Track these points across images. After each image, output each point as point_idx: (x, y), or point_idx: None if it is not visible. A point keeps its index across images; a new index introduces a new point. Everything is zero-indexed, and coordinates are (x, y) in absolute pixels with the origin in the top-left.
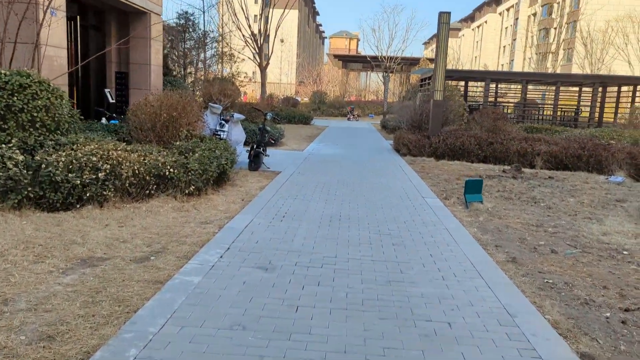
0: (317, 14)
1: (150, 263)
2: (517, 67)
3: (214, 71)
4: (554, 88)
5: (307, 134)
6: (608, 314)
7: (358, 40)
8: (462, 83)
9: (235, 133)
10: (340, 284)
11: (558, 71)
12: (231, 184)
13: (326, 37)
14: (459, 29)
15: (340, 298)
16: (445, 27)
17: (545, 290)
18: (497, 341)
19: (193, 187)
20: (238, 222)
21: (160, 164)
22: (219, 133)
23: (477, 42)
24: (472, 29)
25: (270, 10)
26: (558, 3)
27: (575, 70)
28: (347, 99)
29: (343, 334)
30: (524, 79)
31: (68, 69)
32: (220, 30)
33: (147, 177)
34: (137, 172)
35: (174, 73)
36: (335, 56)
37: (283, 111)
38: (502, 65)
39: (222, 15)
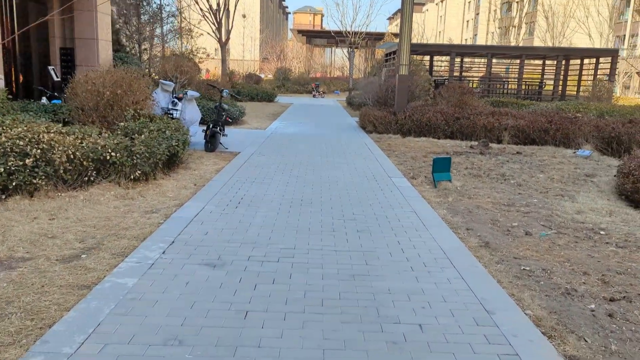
0: None
1: (79, 263)
2: (481, 42)
3: (172, 47)
4: (518, 61)
5: (270, 111)
6: (593, 306)
7: (322, 15)
8: (427, 58)
9: (190, 112)
10: (297, 282)
11: (521, 45)
12: (184, 166)
13: (290, 13)
14: (423, 4)
15: (297, 299)
16: None
17: (522, 279)
18: (474, 346)
19: (139, 171)
20: (187, 210)
21: (99, 147)
22: (171, 112)
23: (440, 16)
24: (436, 4)
25: None
26: None
27: (538, 43)
28: (312, 75)
29: (298, 345)
30: (489, 52)
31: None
32: (178, 4)
33: (85, 162)
34: (72, 156)
35: (127, 49)
36: (299, 31)
37: (245, 88)
38: (466, 39)
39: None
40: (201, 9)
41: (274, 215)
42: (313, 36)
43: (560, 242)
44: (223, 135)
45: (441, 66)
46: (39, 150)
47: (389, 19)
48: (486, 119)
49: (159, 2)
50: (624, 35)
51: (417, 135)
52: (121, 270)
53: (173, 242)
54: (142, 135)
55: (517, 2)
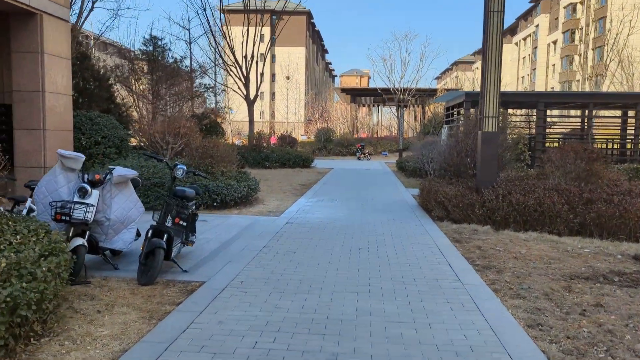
0: (326, 51)
1: None
2: None
3: (209, 105)
4: (603, 114)
5: (300, 181)
6: None
7: (369, 78)
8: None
9: (120, 205)
10: None
11: None
12: None
13: (336, 76)
14: (472, 62)
15: None
16: (496, 18)
17: None
18: None
19: None
20: None
21: None
22: (71, 211)
23: None
24: None
25: (255, 43)
26: (581, 28)
27: None
28: (357, 135)
29: None
30: (591, 101)
31: None
32: (214, 58)
33: None
34: None
35: (123, 109)
36: (343, 90)
37: (275, 152)
38: None
39: (216, 47)
40: (226, 63)
41: None
42: (358, 94)
43: None
44: (187, 243)
45: (514, 121)
46: None
47: (437, 78)
48: None
49: (189, 57)
50: None
51: (518, 228)
52: None
53: None
54: None
55: (580, 55)
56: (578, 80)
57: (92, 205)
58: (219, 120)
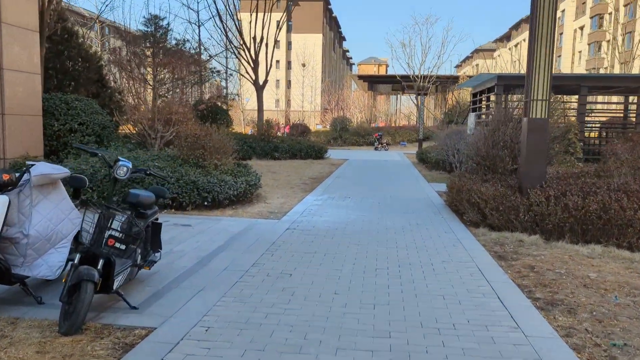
0: (344, 39)
1: None
2: None
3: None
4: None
5: (311, 174)
6: None
7: (387, 66)
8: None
9: (43, 217)
10: None
11: None
12: None
13: (354, 64)
14: (494, 50)
15: None
16: None
17: None
18: None
19: None
20: None
21: None
22: None
23: (514, 62)
24: (509, 49)
25: (265, 25)
26: (610, 13)
27: None
28: (375, 124)
29: None
30: None
31: None
32: (225, 41)
33: None
34: None
35: (116, 93)
36: (361, 77)
37: (285, 142)
38: None
39: (224, 29)
40: (234, 46)
41: None
42: (376, 82)
43: None
44: (144, 266)
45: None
46: None
47: (457, 66)
48: None
49: (198, 39)
50: None
51: (575, 239)
52: None
53: None
54: None
55: (608, 42)
56: (606, 68)
57: None
58: (227, 107)
